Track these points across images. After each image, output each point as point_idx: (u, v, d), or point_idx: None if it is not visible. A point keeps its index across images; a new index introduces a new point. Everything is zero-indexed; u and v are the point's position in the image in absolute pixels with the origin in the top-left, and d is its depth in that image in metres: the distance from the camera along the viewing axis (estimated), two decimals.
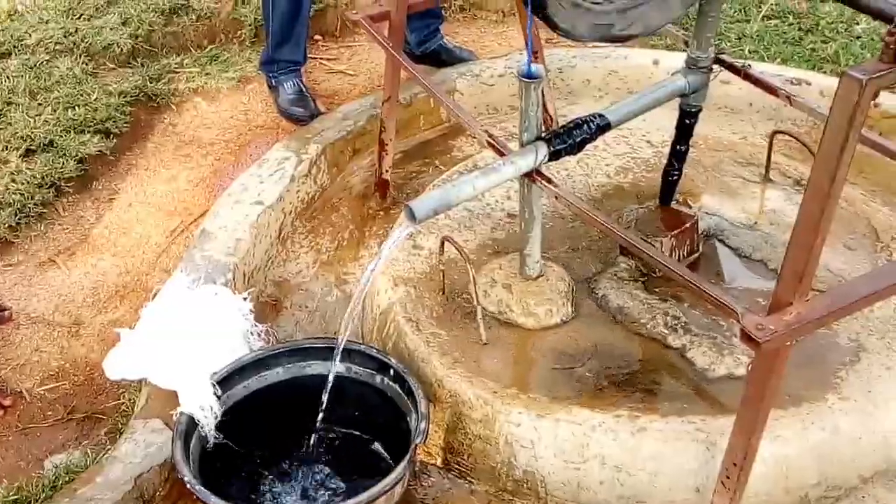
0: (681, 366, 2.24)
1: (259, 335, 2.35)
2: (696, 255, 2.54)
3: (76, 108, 3.34)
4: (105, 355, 2.32)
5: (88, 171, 3.21)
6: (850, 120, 1.54)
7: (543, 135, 2.17)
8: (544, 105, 3.19)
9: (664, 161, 2.58)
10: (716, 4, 2.22)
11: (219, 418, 2.10)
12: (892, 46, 1.54)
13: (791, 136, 2.76)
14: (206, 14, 3.79)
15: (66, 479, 2.17)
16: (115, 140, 3.31)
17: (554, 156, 2.16)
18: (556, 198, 2.16)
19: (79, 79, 3.46)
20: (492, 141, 2.28)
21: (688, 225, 2.49)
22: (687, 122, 2.46)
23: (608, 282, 2.47)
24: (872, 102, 1.59)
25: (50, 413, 2.50)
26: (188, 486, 1.93)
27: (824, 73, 3.46)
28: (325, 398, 2.11)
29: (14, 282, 2.86)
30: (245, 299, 2.41)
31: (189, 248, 2.66)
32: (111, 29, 3.65)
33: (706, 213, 2.67)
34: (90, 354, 2.63)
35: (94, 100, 3.38)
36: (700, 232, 2.55)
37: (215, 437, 2.10)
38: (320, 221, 2.97)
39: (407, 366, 2.20)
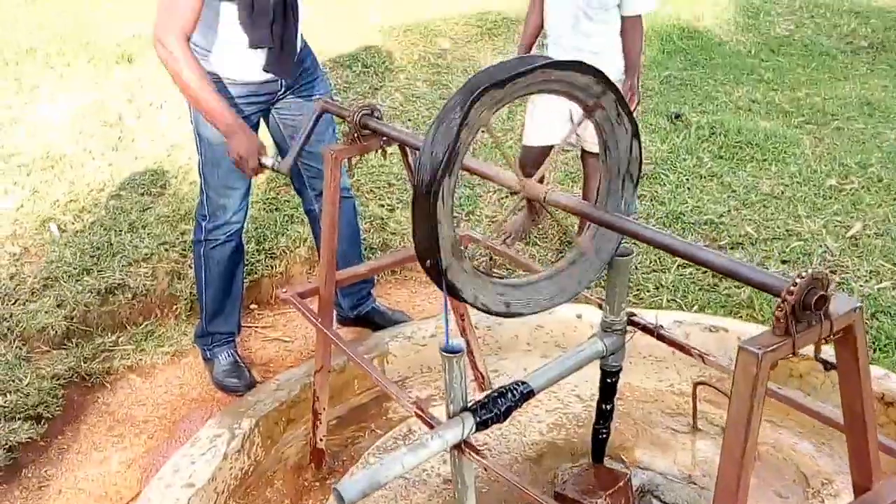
0: None
1: None
2: None
3: (7, 395, 3.31)
4: None
5: (18, 459, 3.14)
6: (752, 391, 1.62)
7: (470, 405, 2.21)
8: (474, 364, 3.27)
9: (594, 419, 2.63)
10: (622, 273, 2.36)
11: None
12: (782, 321, 1.65)
13: (712, 386, 2.85)
14: (142, 291, 3.87)
15: None
16: (46, 425, 3.26)
17: (481, 426, 2.19)
18: (486, 469, 2.17)
19: (11, 364, 3.46)
20: (420, 413, 2.32)
21: (621, 484, 2.51)
22: (609, 381, 2.53)
23: None
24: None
25: None
26: None
27: (740, 318, 3.62)
28: None
29: None
30: None
31: None
32: (46, 312, 3.70)
33: (639, 468, 2.70)
34: None
35: (26, 385, 3.37)
36: (634, 489, 2.57)
37: None
38: (255, 497, 2.91)
39: None
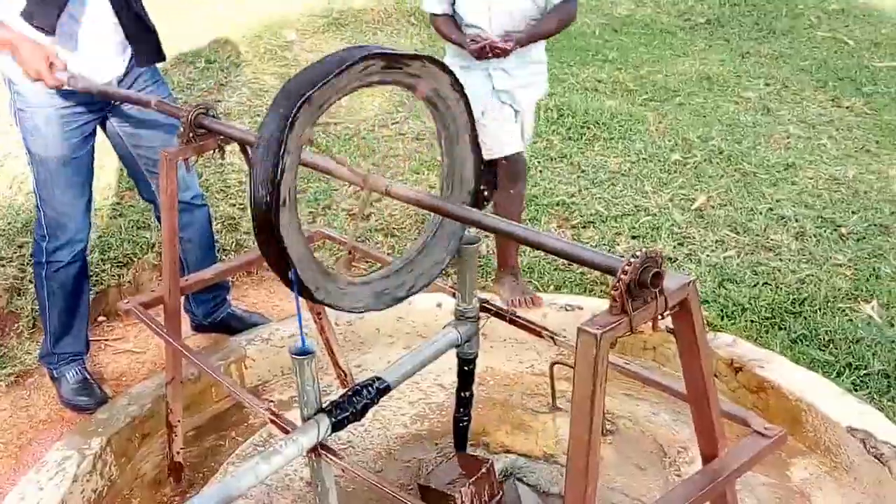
0: None
1: None
2: (499, 497, 2.55)
3: None
4: None
5: None
6: (594, 371, 1.63)
7: (325, 406, 2.16)
8: (335, 361, 3.22)
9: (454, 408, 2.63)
10: (470, 260, 2.35)
11: None
12: (618, 300, 1.67)
13: (568, 365, 2.88)
14: None
15: None
16: None
17: (337, 426, 2.15)
18: (343, 471, 2.13)
19: None
20: (274, 419, 2.26)
21: (484, 470, 2.51)
22: (466, 368, 2.53)
23: None
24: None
25: None
26: None
27: (595, 294, 3.69)
28: None
29: None
30: None
31: None
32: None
33: (503, 451, 2.71)
34: None
35: None
36: (498, 473, 2.58)
37: None
38: None
39: None
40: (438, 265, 2.39)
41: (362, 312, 2.28)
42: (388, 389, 2.27)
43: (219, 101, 5.49)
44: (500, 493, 2.55)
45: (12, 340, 3.67)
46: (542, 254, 4.02)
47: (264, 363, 3.40)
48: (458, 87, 2.10)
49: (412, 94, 2.06)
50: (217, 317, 3.63)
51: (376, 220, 4.37)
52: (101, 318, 3.82)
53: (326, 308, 3.14)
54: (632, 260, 1.65)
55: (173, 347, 2.68)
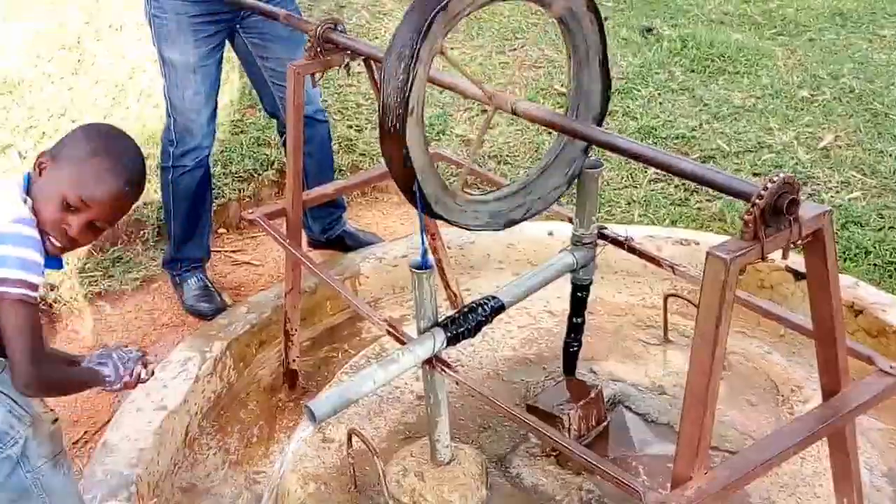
0: None
1: None
2: (605, 423, 2.56)
3: None
4: None
5: None
6: (720, 297, 1.61)
7: (440, 321, 2.20)
8: (447, 283, 3.26)
9: (565, 333, 2.63)
10: (592, 185, 2.33)
11: None
12: (750, 225, 1.63)
13: (683, 298, 2.85)
14: None
15: None
16: None
17: (452, 341, 2.18)
18: (457, 383, 2.17)
19: None
20: (391, 330, 2.31)
21: (592, 395, 2.52)
22: (579, 294, 2.52)
23: (521, 459, 2.46)
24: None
25: None
26: None
27: (711, 231, 3.62)
28: None
29: None
30: None
31: (90, 463, 2.57)
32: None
33: (611, 379, 2.71)
34: None
35: None
36: (606, 400, 2.58)
37: None
38: (228, 419, 2.92)
39: None
40: (557, 190, 2.38)
41: (478, 230, 2.29)
42: (502, 309, 2.29)
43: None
44: (608, 419, 2.56)
45: (137, 247, 3.83)
46: (658, 188, 3.97)
47: (377, 281, 3.46)
48: (592, 5, 2.06)
49: (546, 11, 2.03)
50: (333, 234, 3.71)
51: (490, 147, 4.36)
52: (221, 230, 3.95)
53: (441, 229, 3.19)
54: (769, 185, 1.61)
55: (294, 257, 2.76)
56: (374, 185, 4.18)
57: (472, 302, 2.25)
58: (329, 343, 3.26)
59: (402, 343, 2.22)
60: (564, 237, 3.24)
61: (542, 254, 3.42)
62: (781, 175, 1.63)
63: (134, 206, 3.53)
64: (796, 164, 4.17)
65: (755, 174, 4.10)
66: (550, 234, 3.48)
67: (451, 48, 5.24)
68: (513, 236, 3.56)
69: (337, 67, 2.66)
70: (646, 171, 4.05)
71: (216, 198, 3.85)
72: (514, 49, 5.35)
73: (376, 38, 5.43)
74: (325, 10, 5.66)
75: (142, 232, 3.85)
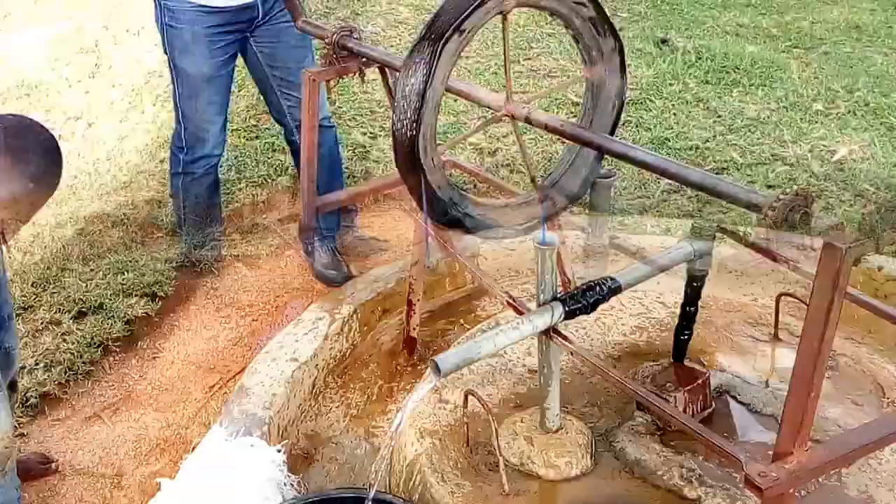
0: None
1: (291, 485, 2.47)
2: (710, 409, 2.65)
3: (125, 273, 3.58)
4: None
5: (134, 331, 3.42)
6: (833, 284, 1.71)
7: (559, 296, 2.34)
8: (562, 269, 3.39)
9: (677, 322, 2.74)
10: (604, 194, 2.44)
11: None
12: (867, 218, 1.73)
13: (795, 297, 2.91)
14: (259, 183, 4.08)
15: None
16: (160, 303, 3.53)
17: (569, 315, 2.32)
18: (572, 354, 2.31)
19: (129, 247, 3.73)
20: (511, 301, 2.46)
21: (700, 381, 2.62)
22: (694, 285, 2.62)
23: (626, 435, 2.58)
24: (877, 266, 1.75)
25: None
26: None
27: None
28: None
29: (61, 436, 3.01)
30: (279, 451, 2.55)
31: (228, 403, 2.81)
32: (159, 202, 3.94)
33: (718, 370, 2.80)
34: None
35: (143, 265, 3.63)
36: (712, 388, 2.68)
37: None
38: (351, 377, 3.13)
39: None
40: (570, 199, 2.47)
41: (498, 238, 2.40)
42: (619, 289, 2.41)
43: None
44: (713, 405, 2.66)
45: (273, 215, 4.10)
46: (673, 198, 4.00)
47: (494, 262, 3.62)
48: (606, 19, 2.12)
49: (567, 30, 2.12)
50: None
51: (502, 156, 4.46)
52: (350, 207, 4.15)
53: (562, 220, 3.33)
54: (781, 197, 1.67)
55: (423, 231, 2.94)
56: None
57: (591, 280, 2.38)
58: (446, 317, 3.44)
59: (521, 314, 2.37)
60: (683, 232, 3.36)
61: (656, 249, 3.51)
62: (794, 188, 1.69)
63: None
64: (810, 176, 4.15)
65: (769, 186, 4.10)
66: (668, 230, 3.57)
67: (466, 57, 5.30)
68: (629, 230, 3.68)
69: (352, 74, 2.70)
70: (658, 182, 4.09)
71: (228, 203, 4.03)
72: (529, 59, 5.42)
73: (391, 46, 5.51)
74: (340, 18, 5.78)
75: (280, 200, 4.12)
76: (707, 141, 4.53)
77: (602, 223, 2.47)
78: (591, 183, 2.36)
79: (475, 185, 3.92)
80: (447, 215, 2.20)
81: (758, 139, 4.57)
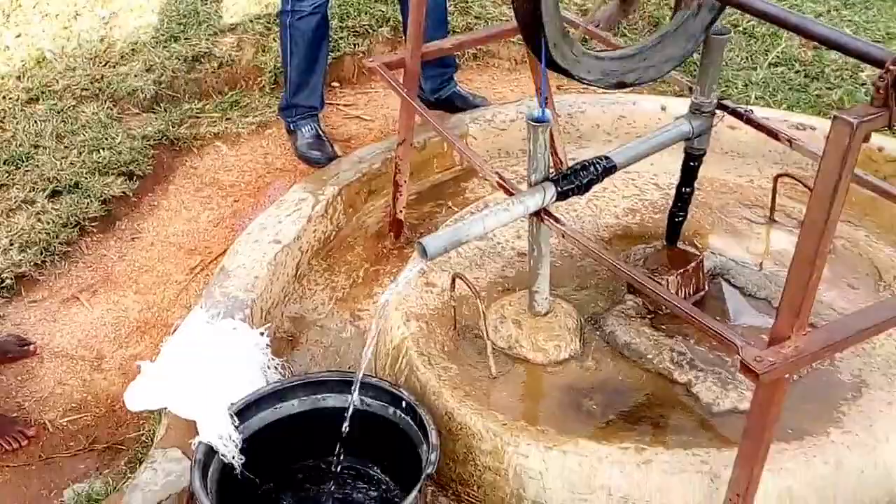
0: (686, 400, 2.29)
1: (275, 368, 2.42)
2: (702, 293, 2.60)
3: (101, 150, 3.45)
4: (126, 388, 2.39)
5: (112, 211, 3.31)
6: (842, 161, 1.62)
7: (551, 176, 2.25)
8: (554, 150, 3.27)
9: (671, 203, 2.66)
10: (717, 53, 2.31)
11: (239, 447, 2.16)
12: (881, 91, 1.62)
13: (794, 178, 2.83)
14: (227, 61, 3.92)
15: None
16: (137, 182, 3.42)
17: (562, 196, 2.23)
18: (564, 236, 2.23)
19: (104, 123, 3.59)
20: (502, 182, 2.37)
21: (693, 264, 2.56)
22: (691, 164, 2.53)
23: (615, 319, 2.53)
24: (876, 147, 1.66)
25: (72, 444, 2.57)
26: None
27: (828, 118, 3.53)
28: (346, 427, 2.16)
29: (39, 318, 2.94)
30: (262, 334, 2.49)
31: (209, 285, 2.74)
32: (135, 76, 3.79)
33: (712, 252, 2.73)
34: (111, 387, 2.71)
35: (119, 143, 3.50)
36: (706, 271, 2.62)
37: (239, 463, 2.15)
38: (336, 260, 3.05)
39: (419, 399, 2.26)
40: (670, 62, 2.36)
41: (588, 84, 2.30)
42: (613, 169, 2.32)
43: None
44: (706, 288, 2.60)
45: (255, 93, 3.95)
46: (778, 71, 3.87)
47: (484, 143, 3.50)
48: None
49: None
50: (443, 94, 3.75)
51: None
52: (334, 84, 4.02)
53: (553, 96, 3.20)
54: None
55: (410, 108, 2.82)
56: (487, 49, 4.19)
57: (584, 160, 2.28)
58: (434, 199, 3.34)
59: (512, 195, 2.28)
60: (677, 112, 3.23)
61: (653, 128, 3.40)
62: None
63: (253, 53, 3.60)
64: None
65: None
66: (663, 108, 3.46)
67: None
68: (624, 108, 3.56)
69: None
70: (766, 54, 3.94)
71: (332, 51, 3.91)
72: None
73: None
74: None
75: (259, 78, 3.95)
76: (820, 15, 4.32)
77: (712, 81, 2.36)
78: (692, 51, 2.30)
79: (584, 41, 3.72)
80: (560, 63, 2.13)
81: (874, 16, 4.37)
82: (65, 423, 2.62)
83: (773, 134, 2.41)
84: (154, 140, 3.58)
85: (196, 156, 3.62)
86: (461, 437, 2.23)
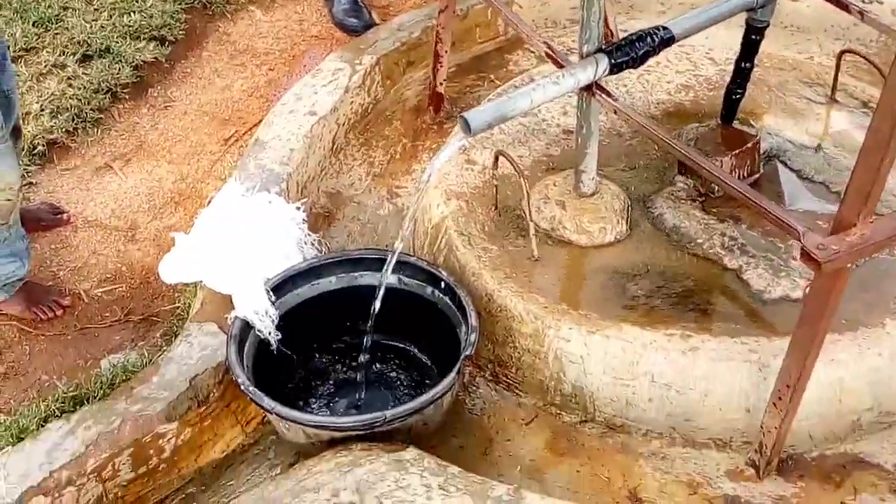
0: (736, 287, 2.21)
1: (312, 244, 2.36)
2: (757, 175, 2.49)
3: (132, 14, 3.34)
4: (160, 259, 2.35)
5: (144, 77, 3.22)
6: None
7: (604, 47, 2.11)
8: (605, 20, 3.10)
9: (727, 79, 2.51)
10: None
11: (275, 322, 2.12)
12: None
13: (860, 55, 2.66)
14: None
15: (123, 377, 2.23)
16: (170, 47, 3.31)
17: (615, 69, 2.10)
18: (616, 112, 2.12)
19: None
20: (551, 52, 2.23)
21: (749, 145, 2.44)
22: (753, 37, 2.38)
23: (664, 201, 2.43)
24: None
25: (107, 314, 2.56)
26: (242, 387, 1.97)
27: None
28: (376, 304, 2.11)
29: (71, 186, 2.90)
30: (298, 209, 2.42)
31: (243, 157, 2.66)
32: None
33: (769, 133, 2.60)
34: (146, 258, 2.68)
35: (150, 6, 3.38)
36: (761, 152, 2.49)
37: (275, 339, 2.12)
38: (373, 134, 2.95)
39: (458, 280, 2.20)
40: None
41: None
42: (672, 41, 2.17)
43: None
44: (761, 171, 2.48)
45: None
46: None
47: (531, 11, 3.32)
48: None
49: None
50: None
51: None
52: None
53: None
54: None
55: None
56: None
57: (640, 31, 2.14)
58: (476, 72, 3.20)
59: (561, 67, 2.15)
60: None
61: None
62: None
63: None
64: None
65: None
66: None
67: None
68: None
69: None
70: None
71: None
72: None
73: None
74: None
75: None
76: None
77: None
78: None
79: None
80: None
81: None
82: (100, 294, 2.60)
83: (843, 6, 2.24)
84: (186, 4, 3.45)
85: (229, 21, 3.49)
86: (501, 318, 2.18)
